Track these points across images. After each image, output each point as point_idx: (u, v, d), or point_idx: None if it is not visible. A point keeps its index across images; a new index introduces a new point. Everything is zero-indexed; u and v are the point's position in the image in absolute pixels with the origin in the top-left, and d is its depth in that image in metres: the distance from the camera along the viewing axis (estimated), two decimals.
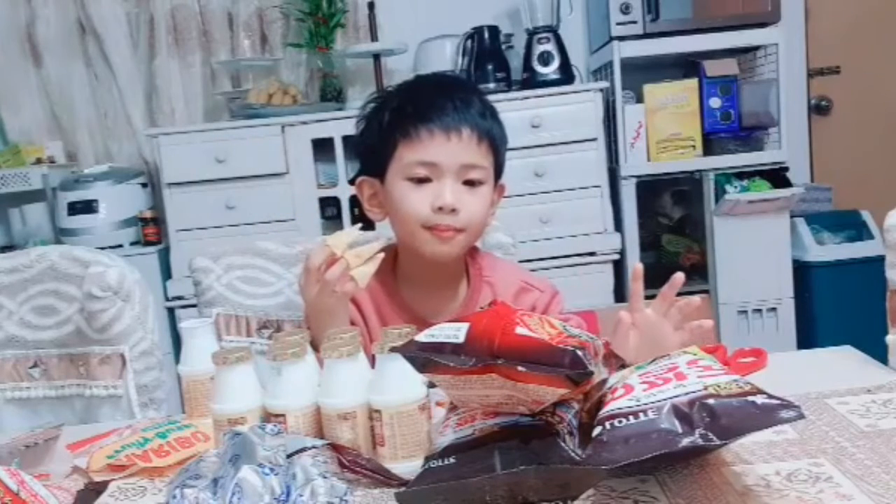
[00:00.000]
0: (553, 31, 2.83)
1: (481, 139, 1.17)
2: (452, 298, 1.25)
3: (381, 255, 1.11)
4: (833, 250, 2.86)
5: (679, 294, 1.08)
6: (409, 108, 1.18)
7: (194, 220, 2.72)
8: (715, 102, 2.82)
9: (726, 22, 2.73)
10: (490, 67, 2.84)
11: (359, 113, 1.26)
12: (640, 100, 2.84)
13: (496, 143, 1.20)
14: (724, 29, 2.73)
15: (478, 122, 1.17)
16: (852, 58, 3.28)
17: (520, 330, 0.71)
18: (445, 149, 1.15)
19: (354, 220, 2.70)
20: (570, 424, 0.74)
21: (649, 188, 2.90)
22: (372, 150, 1.22)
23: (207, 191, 2.70)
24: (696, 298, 1.07)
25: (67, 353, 1.33)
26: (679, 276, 1.07)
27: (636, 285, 1.09)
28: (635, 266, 1.10)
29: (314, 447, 0.79)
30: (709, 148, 2.82)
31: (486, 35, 2.85)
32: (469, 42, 2.87)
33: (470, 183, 1.17)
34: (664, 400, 0.70)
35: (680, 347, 1.01)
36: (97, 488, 0.86)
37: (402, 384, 0.83)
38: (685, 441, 0.66)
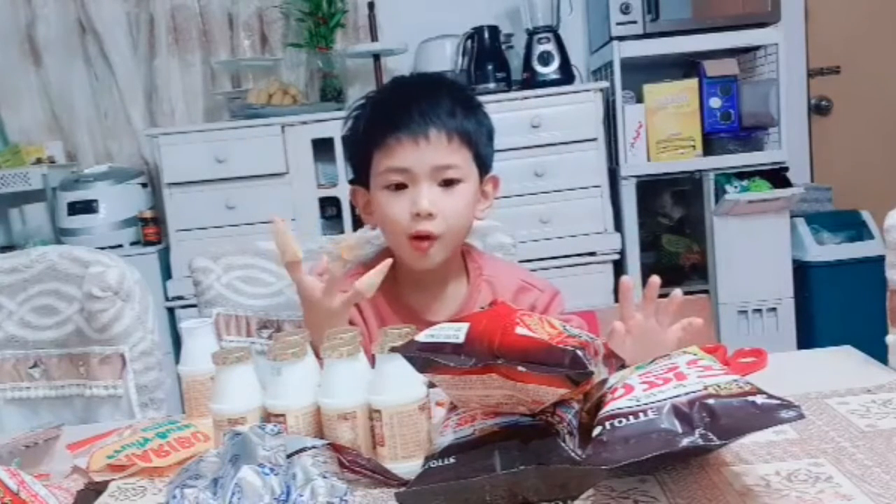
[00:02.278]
0: (553, 31, 2.83)
1: (451, 138, 1.17)
2: (452, 298, 1.25)
3: (389, 261, 1.11)
4: (833, 250, 2.86)
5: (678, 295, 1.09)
6: (379, 117, 1.20)
7: (194, 220, 2.72)
8: (715, 102, 2.82)
9: (726, 22, 2.73)
10: (490, 67, 2.84)
11: (342, 123, 1.27)
12: (640, 100, 2.84)
13: (471, 138, 1.20)
14: (724, 29, 2.73)
15: (445, 122, 1.17)
16: (852, 58, 3.28)
17: (520, 330, 0.71)
18: (415, 154, 1.15)
19: (354, 221, 2.70)
20: (570, 424, 0.74)
21: (649, 188, 2.90)
22: (355, 161, 1.25)
23: (207, 191, 2.70)
24: (678, 293, 1.08)
25: (67, 353, 1.33)
26: (655, 280, 1.09)
27: (625, 296, 1.09)
28: (623, 280, 1.10)
29: (314, 447, 0.79)
30: (709, 148, 2.82)
31: (486, 35, 2.85)
32: (469, 42, 2.87)
33: (447, 183, 1.17)
34: (664, 400, 0.70)
35: (674, 345, 1.02)
36: (97, 488, 0.86)
37: (402, 384, 0.82)
38: (685, 441, 0.66)
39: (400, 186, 1.17)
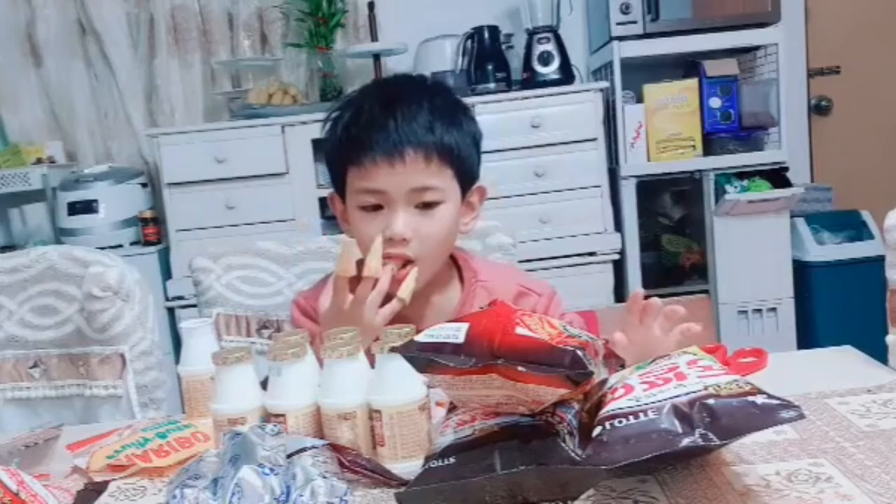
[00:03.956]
0: (553, 31, 2.83)
1: (429, 158, 1.10)
2: (445, 305, 1.22)
3: (416, 269, 1.10)
4: (833, 250, 2.86)
5: (680, 294, 1.08)
6: (353, 130, 1.12)
7: (194, 220, 2.72)
8: (715, 102, 2.82)
9: (726, 22, 2.73)
10: (490, 67, 2.84)
11: (321, 126, 1.21)
12: (640, 100, 2.84)
13: (452, 154, 1.12)
14: (724, 29, 2.73)
15: (422, 140, 1.09)
16: (852, 58, 3.28)
17: (520, 330, 0.71)
18: (390, 176, 1.09)
19: None
20: (570, 424, 0.74)
21: (649, 188, 2.90)
22: (330, 169, 1.19)
23: (207, 191, 2.70)
24: (680, 308, 1.06)
25: (67, 353, 1.33)
26: (639, 292, 1.07)
27: (634, 307, 1.07)
28: (636, 292, 1.08)
29: (314, 447, 0.79)
30: (709, 148, 2.82)
31: (486, 35, 2.85)
32: (469, 42, 2.87)
33: (426, 205, 1.11)
34: (664, 400, 0.70)
35: (673, 350, 1.01)
36: (97, 488, 0.86)
37: (402, 384, 0.82)
38: (685, 441, 0.66)
39: (376, 207, 1.11)
